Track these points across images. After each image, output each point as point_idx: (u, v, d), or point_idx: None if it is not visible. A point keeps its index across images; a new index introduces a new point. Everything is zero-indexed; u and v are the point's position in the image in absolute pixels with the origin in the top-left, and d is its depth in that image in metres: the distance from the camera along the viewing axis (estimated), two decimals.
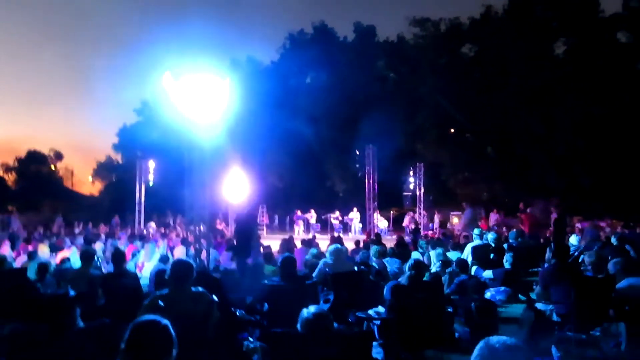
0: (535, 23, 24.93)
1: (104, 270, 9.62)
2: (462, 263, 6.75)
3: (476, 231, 9.63)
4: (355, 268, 7.86)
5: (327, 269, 5.84)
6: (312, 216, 24.43)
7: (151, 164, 23.16)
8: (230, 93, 9.22)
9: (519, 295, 7.36)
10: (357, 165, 21.28)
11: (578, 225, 20.47)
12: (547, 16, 25.39)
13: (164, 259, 9.54)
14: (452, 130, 27.06)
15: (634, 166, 24.90)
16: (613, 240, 9.50)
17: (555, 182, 25.38)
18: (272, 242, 17.76)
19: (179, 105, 8.51)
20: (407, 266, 4.68)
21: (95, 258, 7.22)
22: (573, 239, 9.63)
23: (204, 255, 11.92)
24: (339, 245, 6.46)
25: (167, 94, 8.97)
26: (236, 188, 21.06)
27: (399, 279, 4.72)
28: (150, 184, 23.01)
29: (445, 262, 7.20)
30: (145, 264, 11.44)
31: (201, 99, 8.61)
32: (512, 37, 24.68)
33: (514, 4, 26.17)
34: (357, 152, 20.90)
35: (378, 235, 13.96)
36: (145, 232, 19.24)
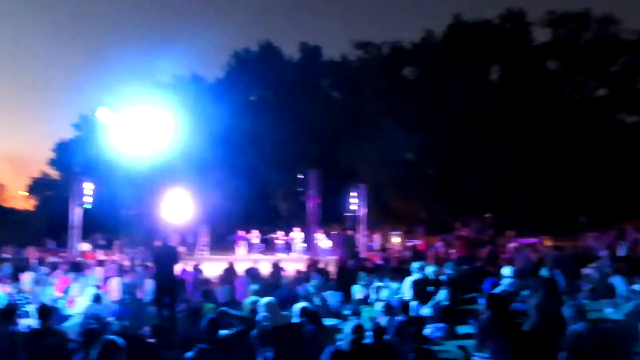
0: (471, 49, 26.04)
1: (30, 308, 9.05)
2: (403, 305, 6.79)
3: (415, 265, 9.83)
4: (304, 303, 7.78)
5: (266, 323, 5.74)
6: (254, 236, 24.20)
7: (89, 185, 21.96)
8: (174, 124, 8.98)
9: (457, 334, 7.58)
10: (300, 189, 21.30)
11: (512, 245, 21.53)
12: (483, 43, 26.57)
13: (96, 298, 9.13)
14: (394, 151, 27.66)
15: (563, 187, 26.50)
16: (544, 272, 10.00)
17: (491, 202, 26.52)
18: (214, 264, 17.43)
19: (118, 140, 8.19)
20: (350, 327, 4.65)
21: (19, 308, 6.72)
22: (506, 271, 9.99)
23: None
24: (272, 300, 6.37)
25: (105, 127, 8.63)
26: (178, 208, 20.52)
27: (340, 343, 4.67)
28: (88, 205, 21.85)
29: (389, 306, 7.21)
30: (77, 299, 10.88)
31: (142, 133, 8.31)
32: (451, 62, 25.68)
33: (452, 30, 27.26)
34: (302, 176, 20.94)
35: (318, 267, 13.87)
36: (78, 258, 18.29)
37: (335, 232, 18.81)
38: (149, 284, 11.40)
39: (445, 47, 26.62)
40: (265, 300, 6.28)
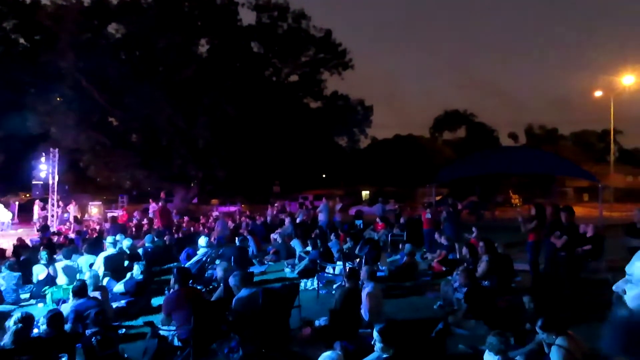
0: (182, 18, 25.68)
1: None
2: (77, 289, 6.08)
3: (110, 239, 9.32)
4: None
5: None
6: None
7: None
8: None
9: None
10: None
11: (216, 213, 22.76)
12: (194, 14, 26.54)
13: None
14: (94, 114, 25.31)
15: (259, 160, 29.21)
16: (237, 242, 10.86)
17: (195, 172, 27.22)
18: None
19: None
20: (12, 320, 4.01)
21: None
22: (202, 241, 10.43)
23: None
24: None
25: None
26: None
27: (1, 342, 4.01)
28: None
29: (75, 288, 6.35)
30: None
31: None
32: (160, 27, 24.78)
33: None
34: None
35: None
36: None
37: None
38: None
39: (156, 11, 25.48)
40: None
